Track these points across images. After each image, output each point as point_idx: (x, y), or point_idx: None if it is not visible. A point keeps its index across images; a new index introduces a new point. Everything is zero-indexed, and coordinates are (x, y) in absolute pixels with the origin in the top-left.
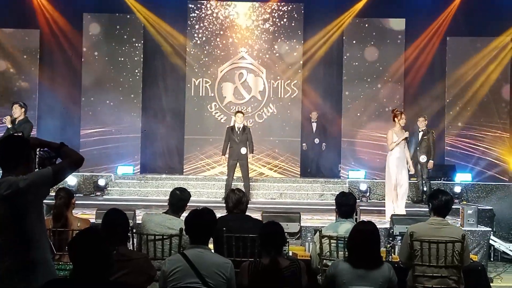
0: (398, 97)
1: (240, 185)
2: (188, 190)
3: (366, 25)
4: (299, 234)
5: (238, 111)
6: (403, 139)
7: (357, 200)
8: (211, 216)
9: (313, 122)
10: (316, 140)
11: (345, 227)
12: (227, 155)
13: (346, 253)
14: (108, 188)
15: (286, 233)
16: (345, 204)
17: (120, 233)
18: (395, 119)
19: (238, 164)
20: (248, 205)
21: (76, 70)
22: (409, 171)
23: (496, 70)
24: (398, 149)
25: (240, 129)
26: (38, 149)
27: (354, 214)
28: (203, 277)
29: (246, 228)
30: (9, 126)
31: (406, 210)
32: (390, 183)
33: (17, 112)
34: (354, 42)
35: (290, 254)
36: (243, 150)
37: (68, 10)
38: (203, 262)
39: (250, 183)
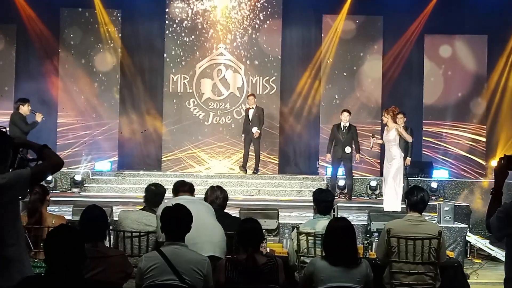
0: (376, 94)
1: (218, 182)
2: (165, 187)
3: (343, 22)
4: (277, 231)
5: (344, 110)
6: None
7: (335, 197)
8: (186, 212)
9: (249, 108)
10: (254, 129)
11: (323, 223)
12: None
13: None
14: (85, 185)
15: (264, 230)
16: (324, 201)
17: (99, 229)
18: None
19: (342, 162)
20: (226, 202)
21: (53, 65)
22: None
23: (473, 67)
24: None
25: (346, 128)
26: (20, 149)
27: (332, 211)
28: (180, 274)
29: (224, 225)
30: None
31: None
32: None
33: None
34: (331, 38)
35: (268, 250)
36: (348, 149)
37: (43, 5)
38: (179, 259)
39: (229, 179)
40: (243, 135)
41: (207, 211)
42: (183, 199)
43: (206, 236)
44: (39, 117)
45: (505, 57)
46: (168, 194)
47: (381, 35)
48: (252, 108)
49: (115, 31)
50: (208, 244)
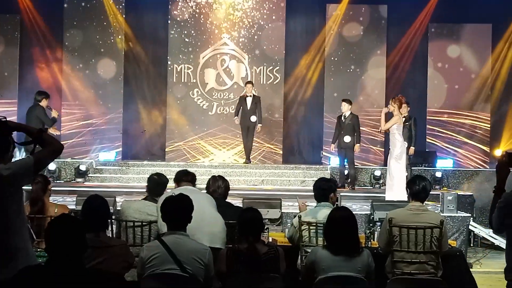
0: (380, 83)
1: (222, 172)
2: (169, 177)
3: (351, 12)
4: (280, 220)
5: (343, 100)
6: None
7: (337, 186)
8: (187, 201)
9: (247, 96)
10: (253, 118)
11: (325, 212)
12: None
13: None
14: (89, 175)
15: (267, 219)
16: (319, 188)
17: (101, 219)
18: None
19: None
20: (229, 191)
21: (57, 54)
22: None
23: (477, 55)
24: None
25: (346, 117)
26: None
27: (336, 200)
28: (181, 263)
29: (225, 215)
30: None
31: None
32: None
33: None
34: (334, 27)
35: (270, 240)
36: (347, 139)
37: None
38: (181, 249)
39: (233, 169)
40: (235, 117)
41: (208, 201)
42: (184, 189)
43: (207, 228)
44: (55, 113)
45: (509, 45)
46: (171, 183)
47: (385, 24)
48: (250, 96)
49: (123, 21)
50: (208, 236)
